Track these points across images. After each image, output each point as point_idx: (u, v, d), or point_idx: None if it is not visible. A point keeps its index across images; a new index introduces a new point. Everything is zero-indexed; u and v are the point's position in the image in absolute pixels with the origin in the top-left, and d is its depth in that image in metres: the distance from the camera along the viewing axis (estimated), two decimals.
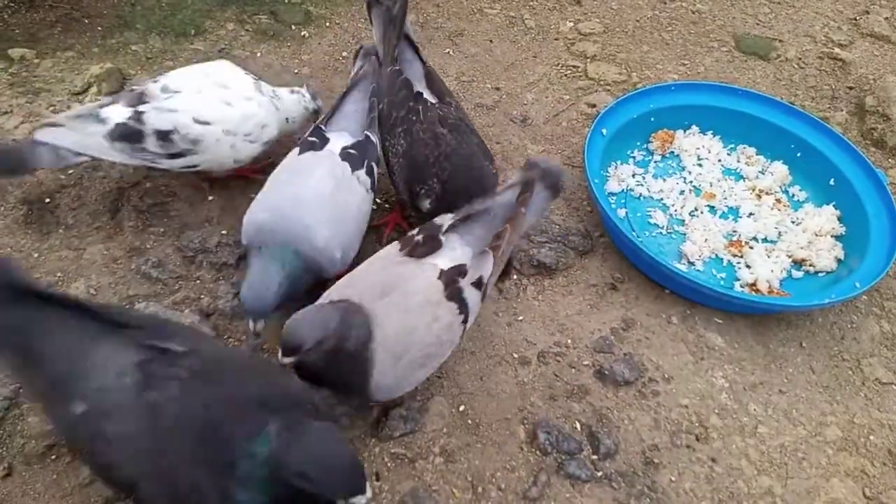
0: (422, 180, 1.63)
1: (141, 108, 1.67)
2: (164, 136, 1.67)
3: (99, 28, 2.46)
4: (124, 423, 1.05)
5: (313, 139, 1.66)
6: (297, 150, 1.66)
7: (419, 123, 1.67)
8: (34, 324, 1.13)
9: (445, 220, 1.46)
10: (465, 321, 1.38)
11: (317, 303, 1.32)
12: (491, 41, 2.58)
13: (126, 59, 2.34)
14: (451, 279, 1.35)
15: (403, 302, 1.31)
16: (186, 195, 1.93)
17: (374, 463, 1.46)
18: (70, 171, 1.97)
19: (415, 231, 1.46)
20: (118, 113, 1.67)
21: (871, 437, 1.60)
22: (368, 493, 1.06)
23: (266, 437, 1.03)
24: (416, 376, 1.38)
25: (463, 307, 1.36)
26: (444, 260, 1.39)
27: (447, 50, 2.52)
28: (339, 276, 1.44)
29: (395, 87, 1.74)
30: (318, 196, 1.53)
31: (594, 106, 2.33)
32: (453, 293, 1.35)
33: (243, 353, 1.55)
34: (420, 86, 1.78)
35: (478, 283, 1.39)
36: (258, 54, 2.40)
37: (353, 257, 1.59)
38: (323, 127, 1.70)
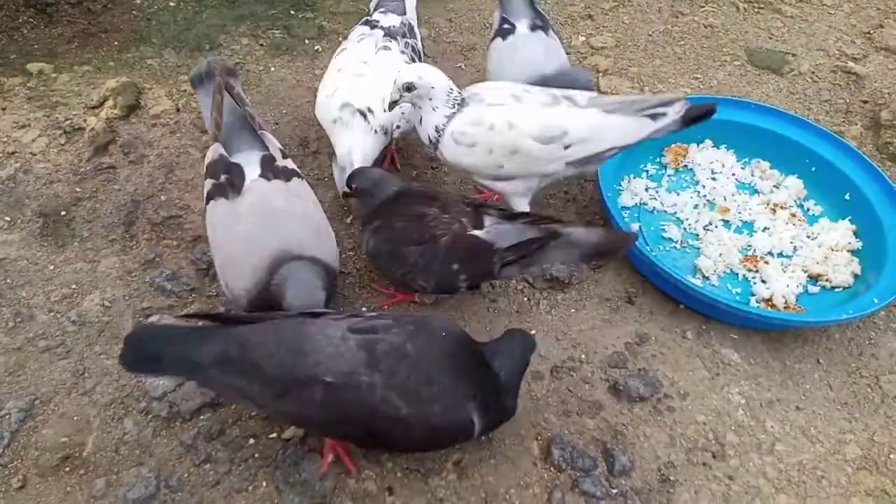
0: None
1: None
2: None
3: (115, 43, 2.50)
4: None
5: None
6: None
7: None
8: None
9: None
10: None
11: None
12: None
13: (142, 73, 2.37)
14: None
15: None
16: (200, 208, 1.94)
17: (386, 478, 1.45)
18: (86, 184, 1.99)
19: None
20: None
21: (893, 456, 1.57)
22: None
23: None
24: None
25: None
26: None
27: (459, 64, 2.53)
28: None
29: None
30: None
31: None
32: None
33: None
34: None
35: None
36: (272, 69, 2.43)
37: None
38: None
